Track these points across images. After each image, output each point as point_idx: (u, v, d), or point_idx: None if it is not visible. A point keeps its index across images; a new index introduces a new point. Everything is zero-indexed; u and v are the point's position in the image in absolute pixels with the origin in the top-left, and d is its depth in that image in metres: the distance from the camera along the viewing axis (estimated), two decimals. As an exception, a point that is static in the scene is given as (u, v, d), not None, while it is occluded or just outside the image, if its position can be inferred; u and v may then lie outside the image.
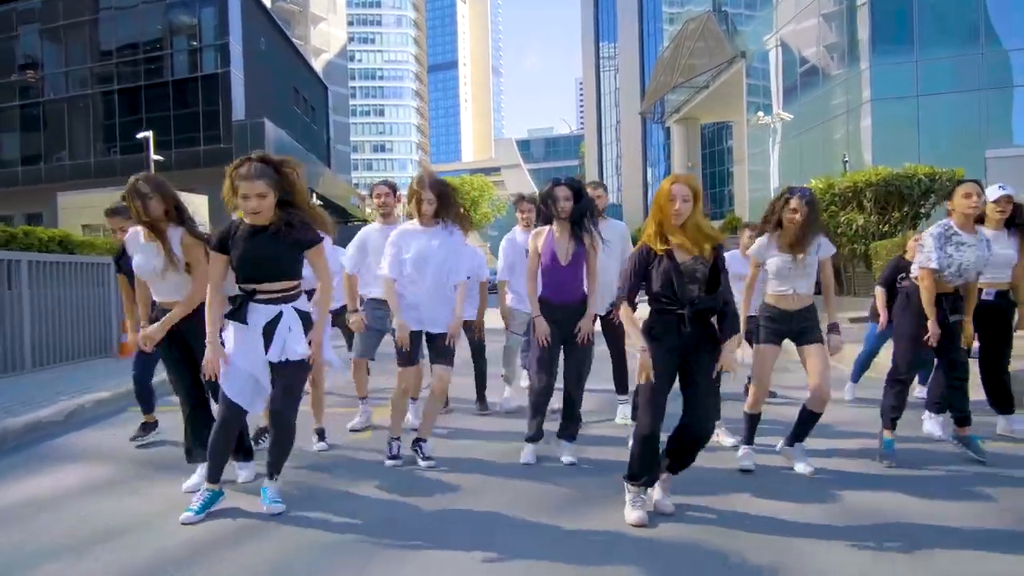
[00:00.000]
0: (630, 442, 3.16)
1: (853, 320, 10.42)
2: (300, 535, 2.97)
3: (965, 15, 19.99)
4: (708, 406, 3.02)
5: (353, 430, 4.83)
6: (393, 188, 4.83)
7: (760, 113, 17.34)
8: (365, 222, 47.82)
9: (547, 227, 3.98)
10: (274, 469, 3.27)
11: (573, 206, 3.85)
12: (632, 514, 3.02)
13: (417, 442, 4.00)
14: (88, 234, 13.15)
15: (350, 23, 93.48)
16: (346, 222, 39.59)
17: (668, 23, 49.95)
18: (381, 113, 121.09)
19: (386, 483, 3.65)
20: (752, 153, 31.29)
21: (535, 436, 4.00)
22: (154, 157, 23.11)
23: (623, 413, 4.92)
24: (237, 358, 3.12)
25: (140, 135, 23.76)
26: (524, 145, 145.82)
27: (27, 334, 7.11)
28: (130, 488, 3.69)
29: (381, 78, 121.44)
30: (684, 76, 33.47)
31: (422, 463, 3.90)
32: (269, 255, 3.05)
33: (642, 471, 3.05)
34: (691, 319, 2.96)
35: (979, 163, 17.78)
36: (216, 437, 3.18)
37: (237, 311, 3.08)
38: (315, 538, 2.94)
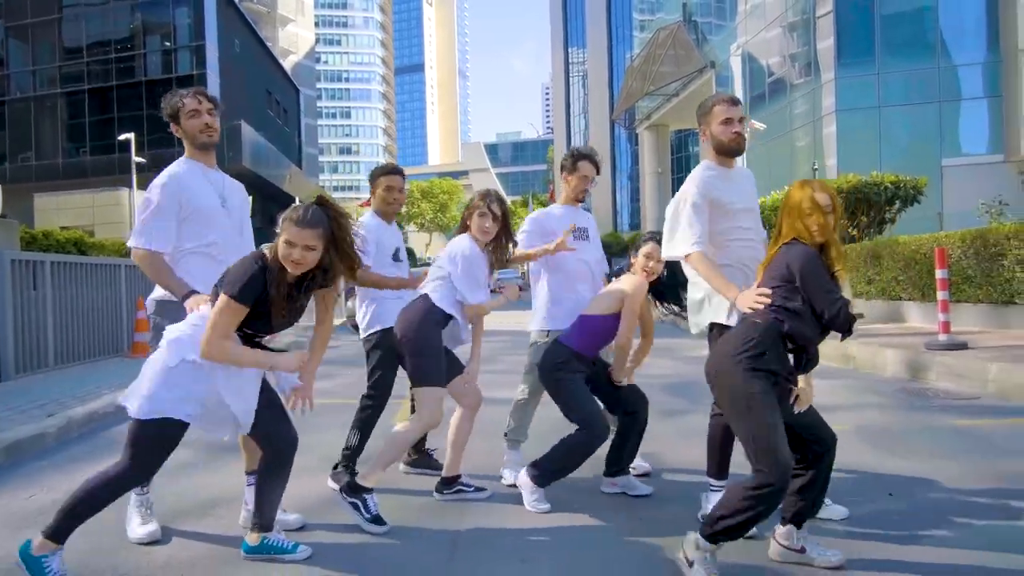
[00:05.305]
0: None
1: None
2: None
3: (922, 31, 21.27)
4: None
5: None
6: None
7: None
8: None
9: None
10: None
11: None
12: None
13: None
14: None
15: (316, 24, 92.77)
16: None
17: (639, 30, 50.99)
18: (348, 115, 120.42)
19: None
20: (720, 159, 32.13)
21: None
22: (136, 159, 22.91)
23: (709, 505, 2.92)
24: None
25: (122, 137, 23.54)
26: (492, 149, 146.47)
27: (50, 333, 7.28)
28: (209, 468, 4.02)
29: (347, 80, 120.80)
30: (655, 84, 34.34)
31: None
32: (296, 309, 2.60)
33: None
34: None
35: (936, 171, 18.96)
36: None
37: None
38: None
